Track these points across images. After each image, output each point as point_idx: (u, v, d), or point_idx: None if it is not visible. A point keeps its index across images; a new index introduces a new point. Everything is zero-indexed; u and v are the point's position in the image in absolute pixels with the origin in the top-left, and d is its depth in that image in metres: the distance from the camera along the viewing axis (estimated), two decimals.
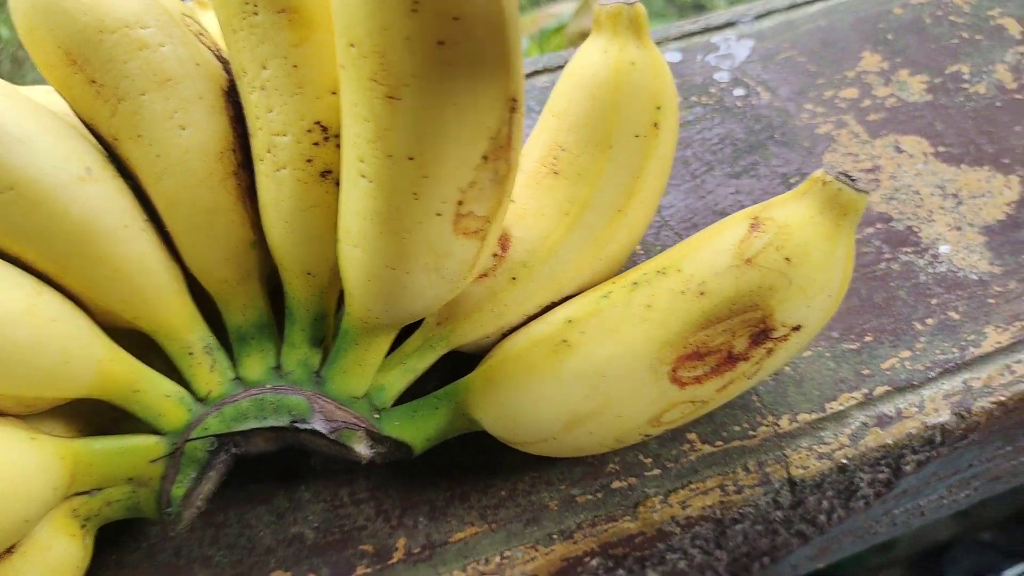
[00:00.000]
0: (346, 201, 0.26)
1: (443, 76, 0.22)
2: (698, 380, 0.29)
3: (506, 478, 0.34)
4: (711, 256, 0.29)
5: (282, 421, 0.30)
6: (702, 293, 0.28)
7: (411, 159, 0.24)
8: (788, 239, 0.28)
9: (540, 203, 0.32)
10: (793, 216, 0.28)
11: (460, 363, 0.34)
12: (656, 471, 0.34)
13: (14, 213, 0.26)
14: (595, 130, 0.31)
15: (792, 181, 0.43)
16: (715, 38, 0.49)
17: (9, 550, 0.28)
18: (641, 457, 0.34)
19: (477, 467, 0.34)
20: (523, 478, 0.34)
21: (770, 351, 0.29)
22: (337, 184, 0.29)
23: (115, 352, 0.30)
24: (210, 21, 0.37)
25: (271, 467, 0.34)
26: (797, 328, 0.28)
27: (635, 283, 0.30)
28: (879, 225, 0.41)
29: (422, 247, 0.26)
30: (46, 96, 0.32)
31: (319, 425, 0.30)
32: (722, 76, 0.47)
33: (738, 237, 0.28)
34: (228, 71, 0.31)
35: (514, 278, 0.31)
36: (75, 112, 0.30)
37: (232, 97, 0.30)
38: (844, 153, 0.44)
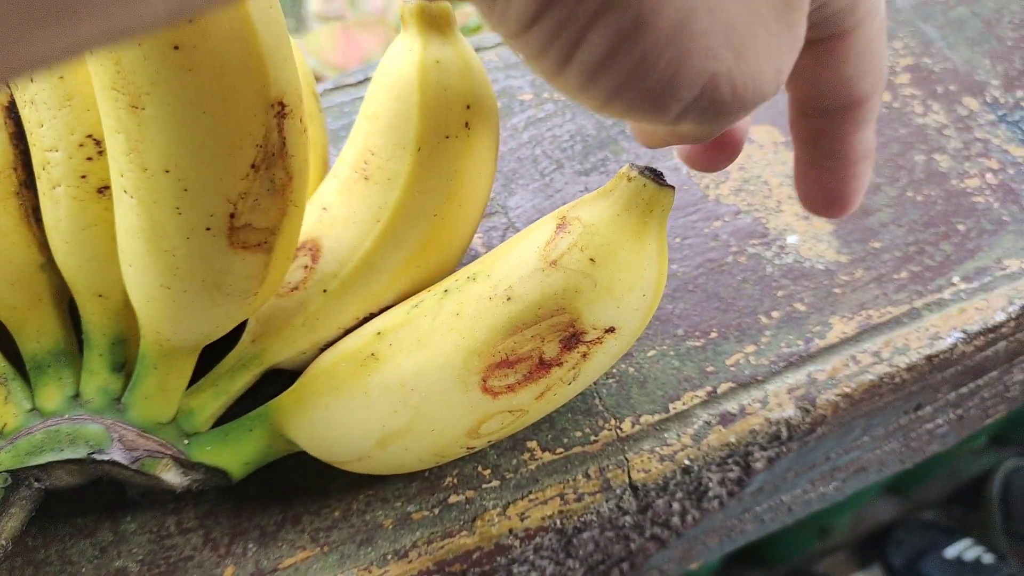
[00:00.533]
0: (117, 218, 0.25)
1: (184, 83, 0.21)
2: (511, 389, 0.28)
3: (340, 498, 0.32)
4: (519, 259, 0.28)
5: (79, 453, 0.28)
6: (509, 298, 0.27)
7: (167, 172, 0.22)
8: (592, 239, 0.27)
9: (351, 211, 0.30)
10: (597, 215, 0.27)
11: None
12: (495, 483, 0.33)
13: None
14: (403, 133, 0.30)
15: None
16: None
17: None
18: (480, 469, 0.33)
19: (310, 488, 0.33)
20: (358, 497, 0.32)
21: (585, 355, 0.28)
22: None
23: None
24: None
25: (97, 498, 0.32)
26: (611, 330, 0.27)
27: (446, 290, 0.29)
28: (727, 218, 0.40)
29: (196, 264, 0.24)
30: None
31: (118, 455, 0.28)
32: None
33: (545, 239, 0.27)
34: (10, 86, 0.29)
35: (325, 290, 0.30)
36: None
37: (13, 113, 0.29)
38: None
